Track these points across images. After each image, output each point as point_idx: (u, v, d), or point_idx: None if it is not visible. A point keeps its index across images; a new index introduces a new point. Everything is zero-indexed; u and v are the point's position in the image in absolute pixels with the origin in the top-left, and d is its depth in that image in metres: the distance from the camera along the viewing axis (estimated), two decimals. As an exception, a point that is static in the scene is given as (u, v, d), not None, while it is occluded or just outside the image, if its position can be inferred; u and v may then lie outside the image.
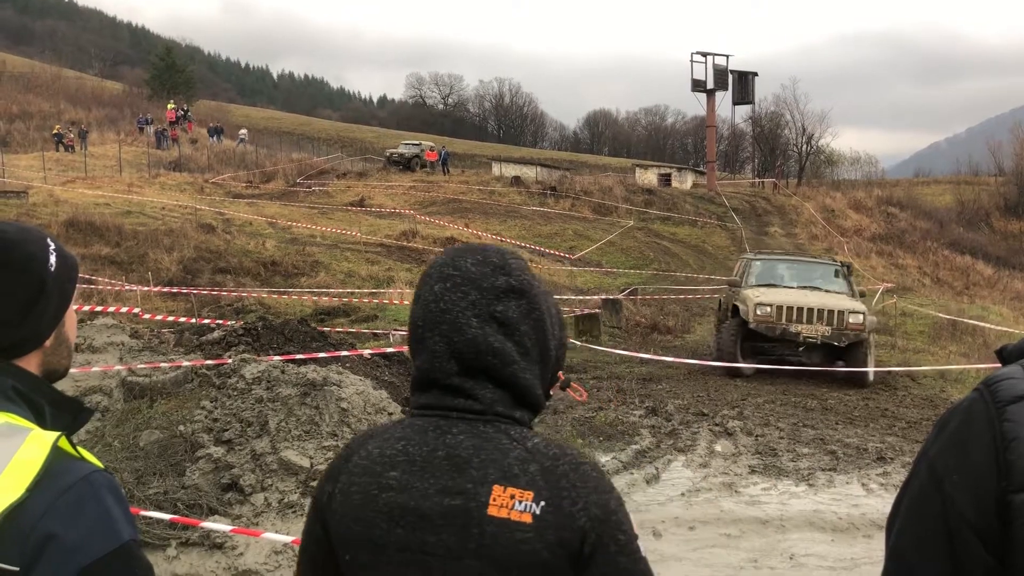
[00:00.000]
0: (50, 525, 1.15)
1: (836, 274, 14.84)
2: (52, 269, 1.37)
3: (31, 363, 1.36)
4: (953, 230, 46.55)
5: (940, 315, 22.30)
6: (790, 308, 13.26)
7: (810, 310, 13.17)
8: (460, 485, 1.29)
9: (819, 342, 13.03)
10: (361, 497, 1.34)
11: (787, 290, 14.23)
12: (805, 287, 14.30)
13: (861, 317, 13.04)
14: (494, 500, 1.27)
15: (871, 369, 13.14)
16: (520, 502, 1.26)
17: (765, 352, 13.57)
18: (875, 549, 6.17)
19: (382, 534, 1.32)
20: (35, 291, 1.34)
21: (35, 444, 1.20)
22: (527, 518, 1.25)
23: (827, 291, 14.16)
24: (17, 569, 1.13)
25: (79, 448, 1.25)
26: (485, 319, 1.36)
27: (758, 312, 13.20)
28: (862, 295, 15.63)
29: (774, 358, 13.47)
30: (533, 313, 1.40)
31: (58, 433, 1.23)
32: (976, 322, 20.15)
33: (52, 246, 1.40)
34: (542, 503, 1.26)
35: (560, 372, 1.50)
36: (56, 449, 1.21)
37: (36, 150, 42.70)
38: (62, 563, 1.14)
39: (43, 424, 1.30)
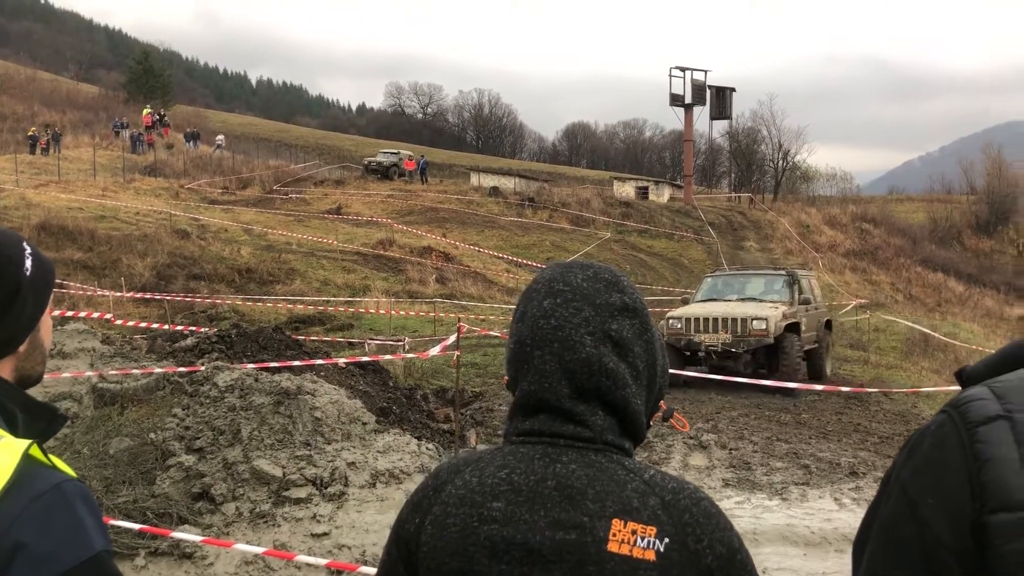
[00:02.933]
0: (20, 534, 1.11)
1: (783, 283, 15.20)
2: (28, 273, 1.34)
3: (4, 369, 1.33)
4: (926, 247, 47.13)
5: (916, 327, 22.51)
6: (697, 319, 13.96)
7: (715, 320, 13.84)
8: (575, 518, 1.19)
9: (719, 348, 13.61)
10: (459, 529, 1.23)
11: (705, 304, 14.90)
12: (744, 299, 14.82)
13: (764, 324, 13.51)
14: (614, 535, 1.18)
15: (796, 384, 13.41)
16: (643, 538, 1.17)
17: (697, 362, 14.09)
18: (847, 563, 6.17)
19: (483, 570, 1.21)
20: (9, 295, 1.31)
21: (5, 452, 1.17)
22: (651, 555, 1.16)
23: (755, 301, 14.65)
24: None
25: (51, 456, 1.22)
26: (600, 338, 1.28)
27: (668, 326, 13.96)
28: (829, 305, 16.00)
29: (701, 367, 13.98)
30: (645, 334, 1.33)
31: (29, 441, 1.20)
32: (948, 339, 20.38)
33: (28, 250, 1.37)
34: (666, 540, 1.17)
35: (662, 402, 1.42)
36: (27, 457, 1.18)
37: (9, 152, 42.16)
38: (32, 573, 1.11)
39: (15, 431, 1.27)
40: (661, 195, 48.47)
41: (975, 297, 39.42)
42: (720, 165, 73.70)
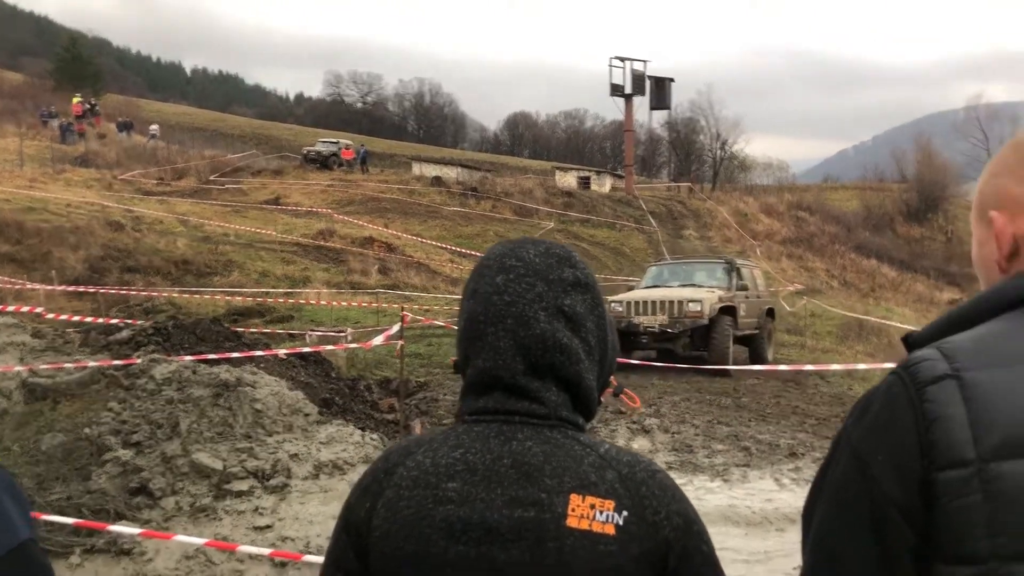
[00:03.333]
0: None
1: (722, 271, 15.83)
2: None
3: None
4: (860, 234, 48.31)
5: (849, 314, 23.06)
6: (637, 303, 14.50)
7: (653, 303, 14.39)
8: (533, 495, 1.18)
9: (657, 330, 14.12)
10: (413, 512, 1.21)
11: (647, 289, 15.55)
12: (684, 285, 15.39)
13: (699, 305, 14.06)
14: (572, 511, 1.17)
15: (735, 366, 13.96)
16: (601, 512, 1.17)
17: (641, 346, 14.50)
18: (787, 542, 6.33)
19: (440, 552, 1.19)
20: None
21: None
22: (610, 529, 1.16)
23: (693, 286, 15.25)
24: None
25: None
26: (553, 313, 1.26)
27: (611, 309, 14.31)
28: (774, 293, 16.62)
29: (645, 352, 14.44)
30: (597, 309, 1.33)
31: None
32: (882, 323, 20.93)
33: None
34: (624, 513, 1.17)
35: (612, 377, 1.41)
36: None
37: (-70, 142, 40.59)
38: None
39: None
40: (603, 185, 48.80)
41: (907, 282, 40.58)
42: (660, 155, 74.57)
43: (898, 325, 20.45)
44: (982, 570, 1.01)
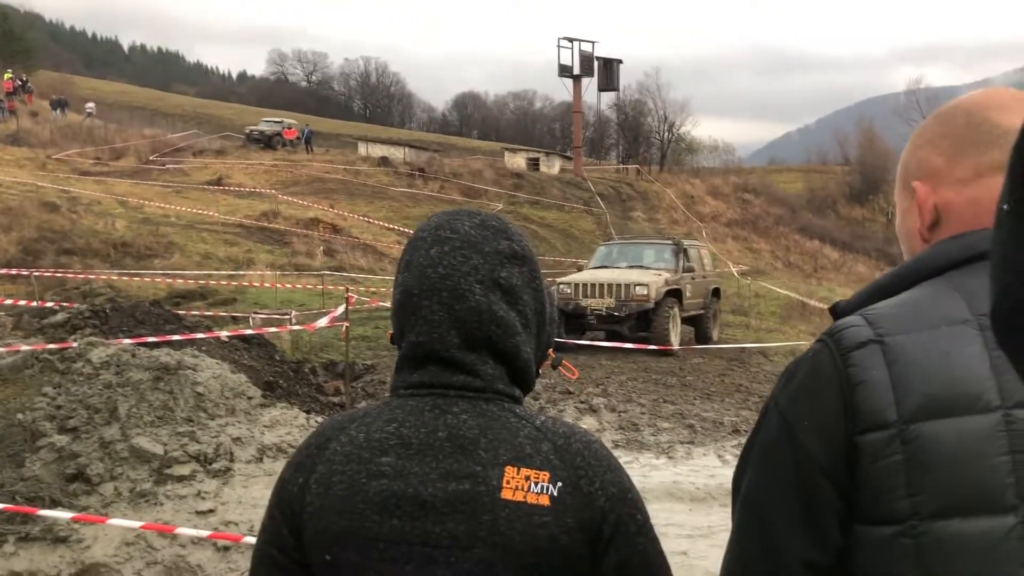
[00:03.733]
0: None
1: (670, 252, 16.01)
2: None
3: None
4: (803, 216, 49.21)
5: (791, 295, 23.49)
6: (585, 285, 14.62)
7: (600, 285, 14.51)
8: (467, 468, 1.18)
9: (604, 312, 14.26)
10: (346, 487, 1.20)
11: (595, 271, 15.65)
12: (633, 266, 15.57)
13: (646, 289, 14.23)
14: (507, 483, 1.16)
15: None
16: (536, 483, 1.16)
17: (588, 328, 14.69)
18: (730, 517, 6.44)
19: (373, 527, 1.18)
20: None
21: None
22: (544, 500, 1.15)
23: (641, 268, 15.41)
24: None
25: None
26: (488, 285, 1.25)
27: (558, 291, 14.54)
28: (720, 274, 16.85)
29: (589, 333, 14.67)
30: (534, 282, 1.31)
31: None
32: (823, 304, 21.35)
33: None
34: (559, 484, 1.17)
35: (550, 350, 1.39)
36: None
37: None
38: None
39: None
40: (552, 166, 48.84)
41: (849, 263, 41.49)
42: (608, 137, 74.77)
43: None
44: (902, 528, 1.03)
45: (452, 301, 1.23)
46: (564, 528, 1.15)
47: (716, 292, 17.18)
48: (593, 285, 14.54)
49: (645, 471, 7.51)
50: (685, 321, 15.42)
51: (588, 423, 8.95)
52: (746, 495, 1.15)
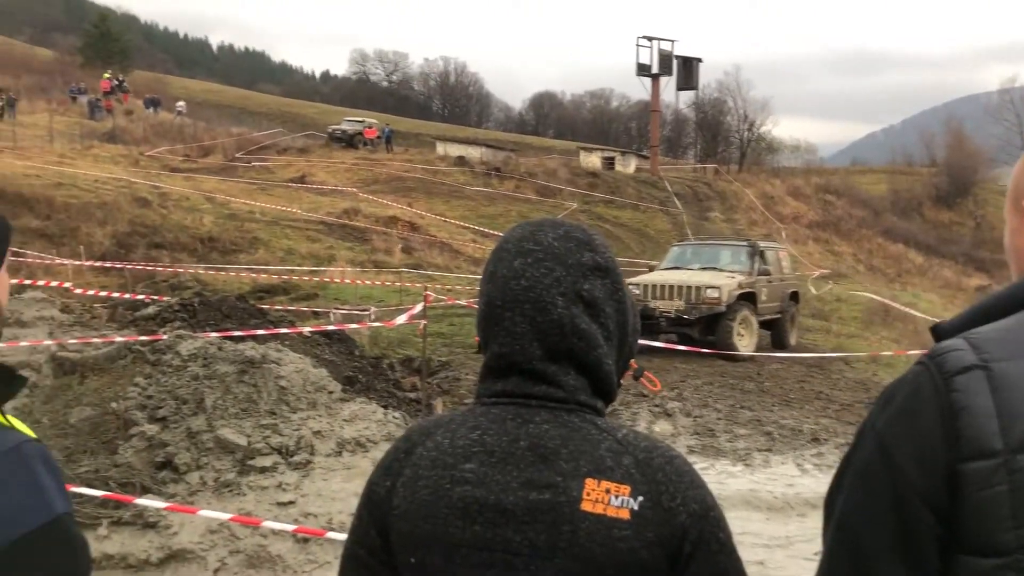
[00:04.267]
0: None
1: (745, 254, 15.52)
2: None
3: None
4: (887, 218, 47.80)
5: (876, 297, 22.85)
6: (655, 286, 14.37)
7: (670, 287, 14.24)
8: (548, 478, 1.19)
9: (673, 315, 13.95)
10: (430, 492, 1.22)
11: (666, 272, 15.38)
12: (706, 268, 15.20)
13: (717, 292, 13.86)
14: (587, 495, 1.17)
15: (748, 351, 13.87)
16: (616, 497, 1.17)
17: (658, 330, 14.32)
18: (809, 528, 6.31)
19: (456, 532, 1.20)
20: None
21: None
22: (625, 514, 1.16)
23: (715, 270, 15.00)
24: None
25: (10, 417, 1.18)
26: (571, 298, 1.25)
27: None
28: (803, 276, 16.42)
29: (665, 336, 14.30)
30: (616, 294, 1.31)
31: None
32: (907, 309, 20.74)
33: None
34: (640, 498, 1.17)
35: (632, 361, 1.39)
36: None
37: (-39, 117, 41.03)
38: None
39: None
40: (627, 166, 48.51)
41: (934, 268, 40.14)
42: (686, 136, 73.95)
43: (924, 316, 20.27)
44: (1008, 561, 1.00)
45: (534, 313, 1.25)
46: (644, 542, 1.16)
47: (794, 296, 16.70)
48: (663, 287, 14.28)
49: (721, 478, 7.42)
50: (761, 325, 15.12)
51: (662, 428, 8.88)
52: (840, 518, 1.13)
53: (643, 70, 47.77)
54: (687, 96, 58.37)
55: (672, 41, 48.83)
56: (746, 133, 61.97)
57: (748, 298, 14.41)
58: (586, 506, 1.17)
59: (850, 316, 21.95)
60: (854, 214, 46.49)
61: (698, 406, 9.82)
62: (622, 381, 1.37)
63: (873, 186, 58.36)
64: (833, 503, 1.15)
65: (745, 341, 14.04)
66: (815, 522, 6.46)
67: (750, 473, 7.61)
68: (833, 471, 1.19)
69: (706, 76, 62.84)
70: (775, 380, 12.10)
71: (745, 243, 16.46)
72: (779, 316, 15.60)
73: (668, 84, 49.34)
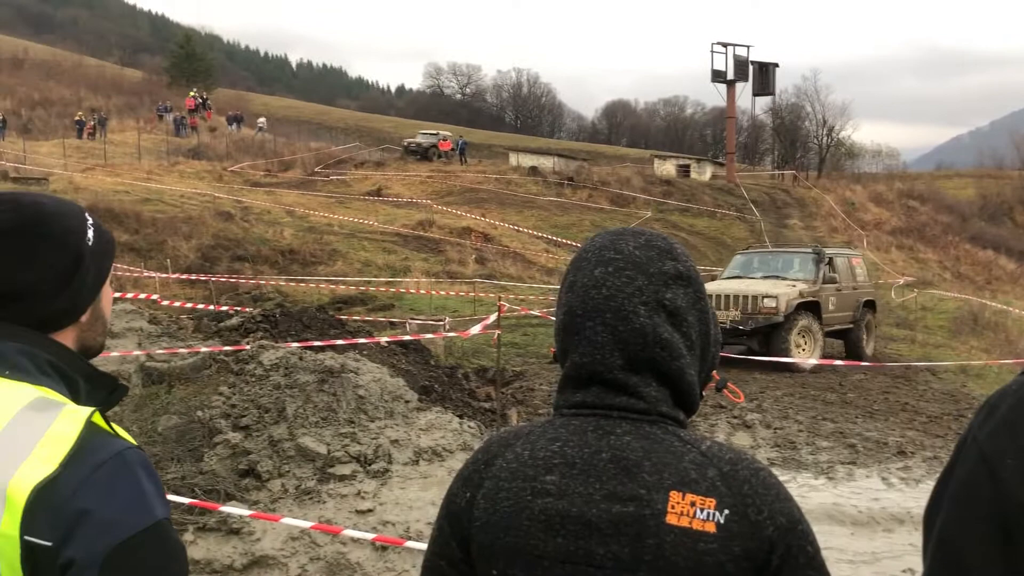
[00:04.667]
0: (83, 501, 1.12)
1: (811, 262, 14.99)
2: (90, 243, 1.35)
3: (67, 338, 1.34)
4: (975, 224, 46.09)
5: (970, 298, 22.06)
6: (712, 296, 13.76)
7: (728, 296, 13.86)
8: (631, 490, 1.17)
9: (728, 326, 13.47)
10: (512, 504, 1.22)
11: (727, 280, 15.05)
12: (769, 276, 14.80)
13: (775, 301, 13.43)
14: (672, 508, 1.15)
15: (807, 360, 13.43)
16: (702, 510, 1.15)
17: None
18: (896, 543, 6.11)
19: (538, 544, 1.19)
20: (73, 263, 1.32)
21: (69, 419, 1.18)
22: (711, 527, 1.14)
23: (776, 278, 14.58)
24: (50, 544, 1.10)
25: (113, 424, 1.23)
26: (653, 307, 1.24)
27: None
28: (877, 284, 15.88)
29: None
30: (699, 303, 1.30)
31: (92, 408, 1.21)
32: (998, 318, 19.95)
33: (90, 221, 1.38)
34: (726, 511, 1.15)
35: (714, 372, 1.38)
36: (90, 424, 1.18)
37: (57, 137, 42.97)
38: (95, 539, 1.11)
39: (77, 399, 1.28)
40: (703, 173, 47.95)
41: (1027, 274, 38.49)
42: (763, 142, 72.68)
43: (1015, 323, 19.48)
44: None
45: (616, 322, 1.23)
46: (730, 556, 1.14)
47: (870, 304, 16.01)
48: (721, 296, 13.86)
49: (803, 491, 7.24)
50: (832, 335, 14.67)
51: (741, 439, 8.72)
52: (941, 535, 1.09)
53: (718, 76, 47.25)
54: (763, 102, 57.46)
55: (747, 47, 48.27)
56: (825, 138, 60.67)
57: (810, 307, 13.94)
58: (671, 519, 1.15)
59: (936, 325, 21.22)
60: (939, 220, 44.97)
61: (778, 418, 9.62)
62: (703, 392, 1.35)
63: (960, 191, 56.37)
64: (933, 519, 1.11)
65: (807, 352, 13.53)
66: (902, 538, 6.27)
67: (833, 487, 7.41)
68: (920, 485, 1.15)
69: (783, 81, 62.00)
70: (858, 391, 11.77)
71: (810, 250, 15.93)
72: (852, 326, 15.07)
73: (744, 90, 48.75)
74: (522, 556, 1.20)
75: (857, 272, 16.03)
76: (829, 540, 6.16)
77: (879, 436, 9.05)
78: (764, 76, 49.28)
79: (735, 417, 9.43)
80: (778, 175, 55.09)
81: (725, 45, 47.44)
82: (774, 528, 1.16)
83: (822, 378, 12.53)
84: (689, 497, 1.16)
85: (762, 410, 9.91)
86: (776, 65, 50.00)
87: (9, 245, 1.27)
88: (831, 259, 15.22)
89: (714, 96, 57.90)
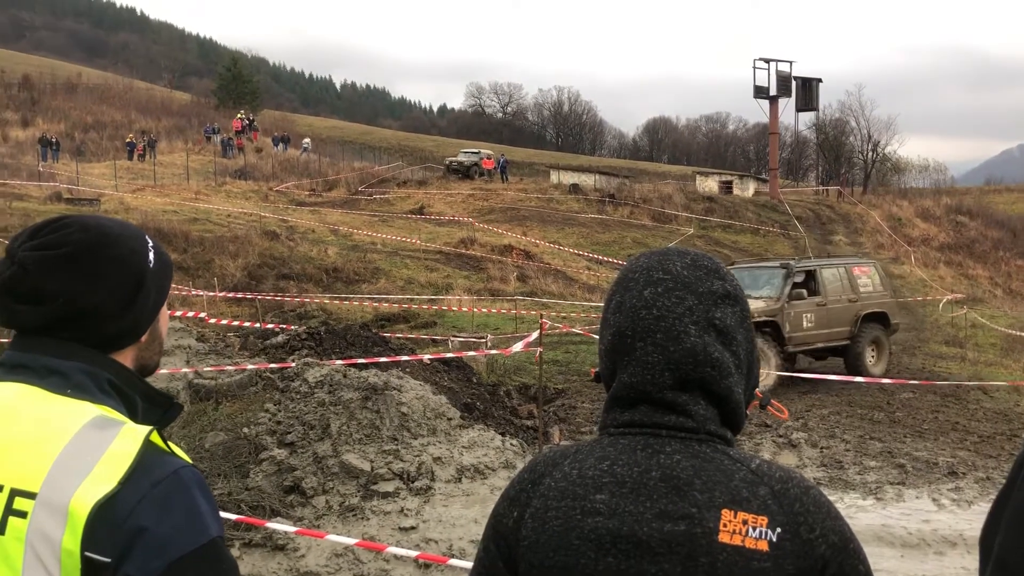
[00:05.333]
0: (142, 518, 1.15)
1: (779, 276, 13.99)
2: (151, 265, 1.39)
3: (126, 357, 1.38)
4: (1027, 239, 44.97)
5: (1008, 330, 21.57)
6: None
7: None
8: (683, 509, 1.17)
9: None
10: (562, 523, 1.21)
11: None
12: None
13: None
14: (724, 526, 1.15)
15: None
16: (754, 528, 1.15)
17: None
18: (947, 567, 5.98)
19: (589, 563, 1.19)
20: (136, 284, 1.36)
21: (128, 437, 1.21)
22: (763, 546, 1.14)
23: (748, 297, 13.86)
24: (109, 561, 1.14)
25: (169, 443, 1.26)
26: (704, 327, 1.25)
27: None
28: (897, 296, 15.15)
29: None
30: (745, 322, 1.31)
31: (150, 427, 1.24)
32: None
33: (150, 243, 1.42)
34: (778, 529, 1.15)
35: (757, 390, 1.38)
36: (148, 443, 1.21)
37: (108, 159, 44.03)
38: (152, 557, 1.14)
39: (135, 418, 1.31)
40: (746, 189, 47.56)
41: (1083, 291, 37.49)
42: (807, 158, 71.98)
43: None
44: None
45: (667, 343, 1.24)
46: (784, 574, 1.14)
47: (878, 318, 14.72)
48: None
49: (851, 512, 7.11)
50: (827, 352, 14.07)
51: (787, 459, 8.60)
52: (999, 557, 1.08)
53: (761, 92, 46.91)
54: (807, 117, 56.90)
55: (790, 62, 47.86)
56: (870, 153, 59.85)
57: (770, 327, 13.01)
58: (723, 537, 1.15)
59: (987, 343, 20.74)
60: (989, 235, 44.00)
61: (824, 436, 9.47)
62: (748, 411, 1.35)
63: (1010, 206, 55.13)
64: (991, 542, 1.10)
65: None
66: (954, 561, 6.13)
67: (882, 507, 7.27)
68: (973, 507, 1.14)
69: (827, 96, 61.23)
70: (907, 410, 11.55)
71: (777, 264, 14.85)
72: (848, 342, 14.15)
73: (787, 106, 48.32)
74: (573, 575, 1.20)
75: (861, 283, 14.84)
76: (879, 562, 6.05)
77: (929, 456, 8.86)
78: (807, 91, 48.82)
79: (780, 436, 9.30)
80: (822, 191, 54.43)
81: (767, 61, 47.13)
82: (826, 547, 1.16)
83: (869, 396, 12.32)
84: (741, 515, 1.16)
85: (808, 429, 9.77)
86: (819, 80, 49.53)
87: (76, 267, 1.30)
88: (812, 272, 14.24)
89: (757, 112, 57.53)
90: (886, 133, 59.98)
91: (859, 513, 7.08)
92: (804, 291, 13.88)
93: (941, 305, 25.72)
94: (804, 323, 13.71)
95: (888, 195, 52.51)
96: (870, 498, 7.51)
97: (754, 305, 13.17)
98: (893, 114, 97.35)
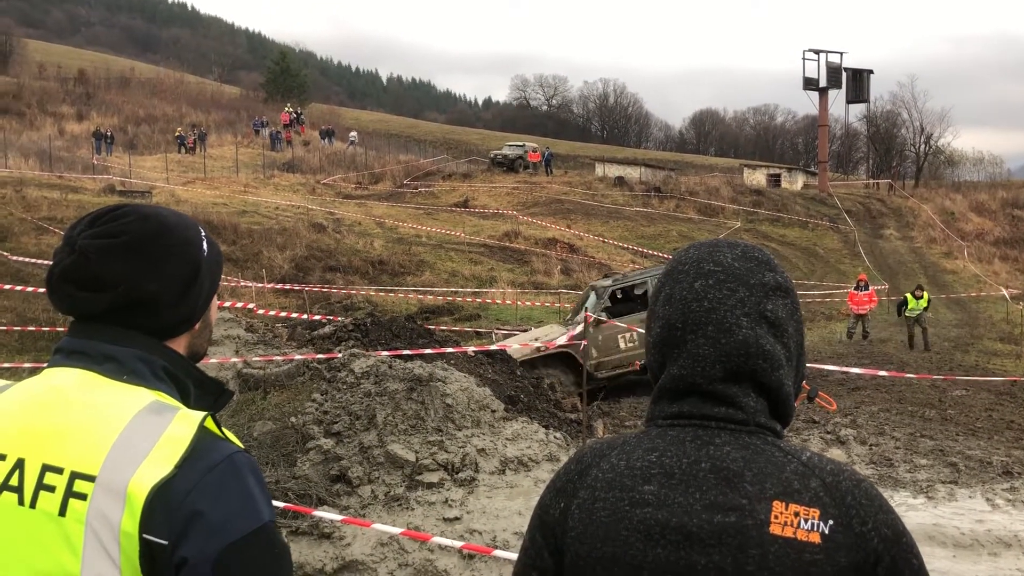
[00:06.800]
0: (197, 502, 1.17)
1: (594, 296, 13.13)
2: (205, 254, 1.42)
3: (180, 345, 1.40)
4: (1086, 234, 43.70)
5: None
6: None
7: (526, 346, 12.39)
8: (733, 500, 1.16)
9: None
10: (609, 513, 1.21)
11: (548, 327, 13.85)
12: (575, 318, 13.06)
13: (518, 354, 11.75)
14: (776, 518, 1.14)
15: None
16: (806, 520, 1.14)
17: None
18: (1003, 568, 5.85)
19: (638, 554, 1.18)
20: (191, 274, 1.38)
21: (183, 422, 1.23)
22: (815, 538, 1.13)
23: (571, 323, 12.80)
24: (166, 543, 1.16)
25: (224, 429, 1.28)
26: (755, 319, 1.24)
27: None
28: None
29: None
30: (796, 314, 1.30)
31: (205, 412, 1.27)
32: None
33: (203, 234, 1.45)
34: (830, 522, 1.14)
35: (804, 383, 1.37)
36: (203, 428, 1.24)
37: (160, 152, 44.84)
38: (207, 540, 1.16)
39: (187, 404, 1.34)
40: (794, 182, 46.92)
41: None
42: (857, 151, 70.64)
43: None
44: None
45: (718, 335, 1.23)
46: (836, 567, 1.12)
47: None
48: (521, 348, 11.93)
49: (901, 510, 6.97)
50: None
51: (835, 456, 8.47)
52: None
53: (810, 84, 46.22)
54: (857, 109, 55.91)
55: (841, 53, 47.07)
56: (923, 146, 58.58)
57: (565, 357, 11.99)
58: (775, 529, 1.14)
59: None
60: (1048, 230, 42.82)
61: (874, 433, 9.31)
62: (796, 403, 1.33)
63: (1070, 199, 53.59)
64: None
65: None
66: (1009, 563, 5.99)
67: (933, 507, 7.13)
68: None
69: (878, 87, 60.16)
70: (959, 407, 11.31)
71: (591, 288, 13.66)
72: None
73: (837, 97, 47.53)
74: (621, 566, 1.19)
75: None
76: (930, 562, 5.92)
77: (982, 455, 8.67)
78: (858, 83, 47.98)
79: (828, 432, 9.17)
80: (873, 184, 53.45)
81: (817, 52, 46.38)
82: (879, 540, 1.15)
83: (920, 393, 12.10)
84: (793, 507, 1.15)
85: (856, 426, 9.62)
86: (870, 72, 48.65)
87: (136, 255, 1.33)
88: (632, 287, 13.21)
89: (806, 104, 56.69)
90: (939, 125, 58.65)
91: (909, 512, 6.96)
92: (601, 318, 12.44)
93: (992, 301, 25.11)
94: (621, 344, 12.53)
95: (941, 188, 51.38)
96: (921, 496, 7.38)
97: (551, 336, 12.25)
98: (947, 106, 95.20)
